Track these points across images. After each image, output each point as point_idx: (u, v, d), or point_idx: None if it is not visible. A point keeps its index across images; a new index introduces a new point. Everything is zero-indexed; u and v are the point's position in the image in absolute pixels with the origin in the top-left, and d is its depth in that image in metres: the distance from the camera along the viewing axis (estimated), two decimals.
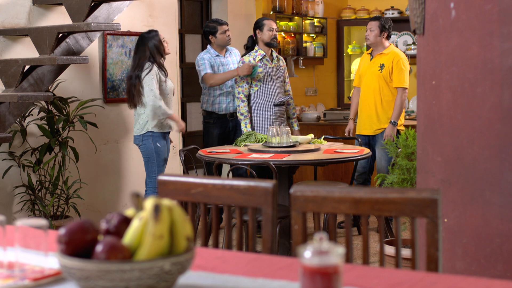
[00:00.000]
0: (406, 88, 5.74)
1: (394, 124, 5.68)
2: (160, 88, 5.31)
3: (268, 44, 5.77)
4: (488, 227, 2.53)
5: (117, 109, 5.98)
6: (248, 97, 5.78)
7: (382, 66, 5.76)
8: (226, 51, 6.08)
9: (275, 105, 5.77)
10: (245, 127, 5.70)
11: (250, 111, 5.78)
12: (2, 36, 5.04)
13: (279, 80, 5.86)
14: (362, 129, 5.93)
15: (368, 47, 6.11)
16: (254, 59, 5.72)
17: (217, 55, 6.01)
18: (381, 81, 5.77)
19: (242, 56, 5.93)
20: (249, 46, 5.87)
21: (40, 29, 4.77)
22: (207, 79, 5.88)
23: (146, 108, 5.30)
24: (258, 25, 5.80)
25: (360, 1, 9.05)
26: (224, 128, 6.05)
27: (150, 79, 5.21)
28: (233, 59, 6.09)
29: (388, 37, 5.84)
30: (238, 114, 5.76)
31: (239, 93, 5.74)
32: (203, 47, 7.45)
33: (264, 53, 5.76)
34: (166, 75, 5.37)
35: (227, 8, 7.38)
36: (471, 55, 2.56)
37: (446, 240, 2.64)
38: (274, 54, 5.89)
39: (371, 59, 5.86)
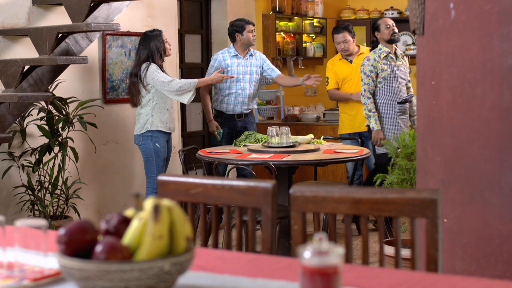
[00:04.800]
0: None
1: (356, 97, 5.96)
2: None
3: (390, 41, 5.70)
4: (487, 227, 2.53)
5: (116, 109, 5.98)
6: (373, 94, 5.72)
7: None
8: (247, 52, 6.06)
9: (399, 103, 5.70)
10: (375, 123, 5.58)
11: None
12: (2, 36, 5.04)
13: (403, 78, 5.80)
14: (348, 128, 6.08)
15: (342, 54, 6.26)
16: (379, 56, 5.62)
17: (236, 55, 5.99)
18: None
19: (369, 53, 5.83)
20: (373, 47, 5.82)
21: (40, 29, 4.77)
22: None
23: (146, 107, 5.31)
24: (375, 27, 5.75)
25: (360, 1, 9.05)
26: (231, 128, 6.05)
27: (153, 75, 5.21)
28: (253, 62, 6.05)
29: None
30: (366, 111, 5.63)
31: (365, 90, 5.62)
32: (203, 47, 7.46)
33: (389, 50, 5.67)
34: (162, 70, 5.35)
35: (226, 8, 7.38)
36: (471, 55, 2.56)
37: (446, 240, 2.64)
38: (398, 52, 5.82)
39: (350, 62, 6.09)
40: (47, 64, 4.61)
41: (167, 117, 5.36)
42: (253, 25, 6.04)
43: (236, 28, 5.99)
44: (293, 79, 6.37)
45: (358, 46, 6.17)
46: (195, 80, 5.35)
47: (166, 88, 5.23)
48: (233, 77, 5.83)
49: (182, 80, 5.31)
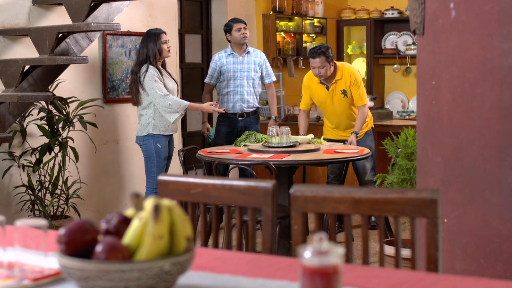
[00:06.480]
0: (367, 103, 5.81)
1: (357, 135, 5.73)
2: None
3: None
4: (487, 227, 2.53)
5: (117, 109, 5.98)
6: None
7: (344, 92, 5.71)
8: (244, 50, 6.12)
9: None
10: None
11: None
12: (2, 36, 5.04)
13: None
14: (330, 135, 5.95)
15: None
16: None
17: (231, 53, 6.09)
18: (349, 104, 5.78)
19: None
20: None
21: (40, 29, 4.77)
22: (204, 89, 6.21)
23: (148, 110, 5.30)
24: None
25: (360, 1, 9.05)
26: (232, 127, 6.07)
27: (150, 82, 5.19)
28: (251, 59, 6.10)
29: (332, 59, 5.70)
30: None
31: None
32: (203, 47, 7.46)
33: None
34: (162, 74, 5.32)
35: (227, 8, 7.38)
36: (471, 55, 2.56)
37: (446, 240, 2.64)
38: None
39: (327, 88, 5.74)
40: (47, 64, 4.61)
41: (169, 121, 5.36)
42: (243, 23, 6.11)
43: (226, 29, 6.17)
44: (272, 104, 6.35)
45: (335, 65, 5.70)
46: (186, 102, 5.31)
47: (157, 101, 5.22)
48: (224, 112, 5.89)
49: (175, 98, 5.26)
